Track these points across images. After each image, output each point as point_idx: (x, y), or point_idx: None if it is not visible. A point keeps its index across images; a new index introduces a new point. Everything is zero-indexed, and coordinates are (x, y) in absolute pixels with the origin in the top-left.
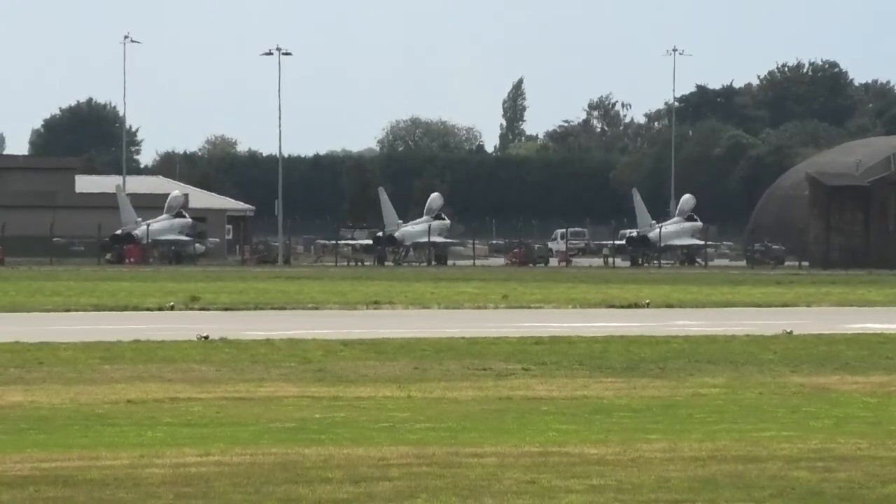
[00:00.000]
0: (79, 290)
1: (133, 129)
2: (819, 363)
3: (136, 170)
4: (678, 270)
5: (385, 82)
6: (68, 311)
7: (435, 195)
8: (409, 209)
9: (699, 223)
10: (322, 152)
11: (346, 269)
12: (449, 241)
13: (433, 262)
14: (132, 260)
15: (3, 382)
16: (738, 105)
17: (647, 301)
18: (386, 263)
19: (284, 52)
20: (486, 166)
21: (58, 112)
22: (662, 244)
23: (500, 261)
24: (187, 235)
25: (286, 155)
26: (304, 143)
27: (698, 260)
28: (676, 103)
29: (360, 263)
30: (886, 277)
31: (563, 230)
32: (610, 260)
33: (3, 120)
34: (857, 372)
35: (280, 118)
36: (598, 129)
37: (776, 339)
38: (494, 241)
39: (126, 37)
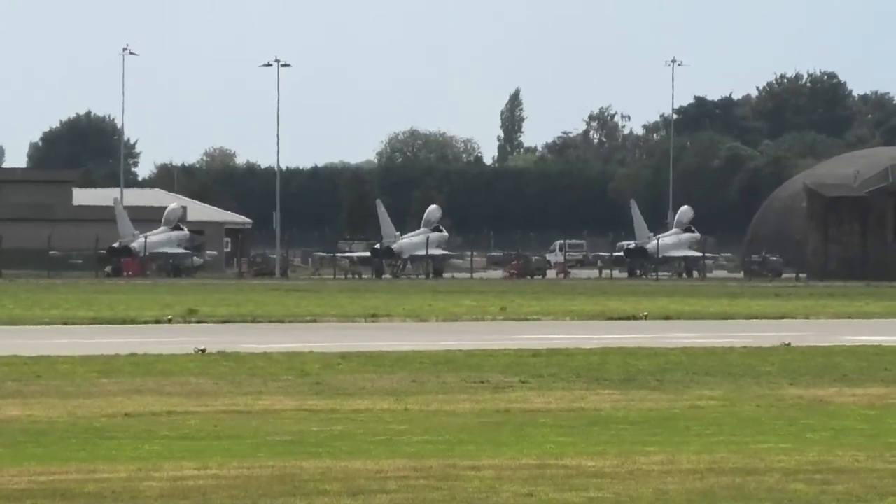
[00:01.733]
0: (76, 304)
1: (131, 142)
2: (817, 375)
3: (134, 182)
4: (676, 282)
5: (383, 94)
6: (66, 324)
7: (433, 207)
8: (407, 221)
9: (697, 235)
10: (320, 164)
11: (344, 281)
12: (447, 253)
13: (431, 275)
14: (130, 273)
15: (1, 396)
16: (737, 116)
17: (645, 313)
18: (384, 276)
19: (283, 63)
20: (484, 178)
21: (57, 125)
22: (660, 256)
23: (499, 273)
24: (185, 248)
25: (284, 167)
26: (303, 154)
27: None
28: (675, 115)
29: (357, 276)
30: (884, 289)
31: (562, 242)
32: (606, 271)
33: (2, 132)
34: (855, 384)
35: (278, 130)
36: (597, 141)
37: (774, 351)
38: (493, 254)
39: (125, 49)
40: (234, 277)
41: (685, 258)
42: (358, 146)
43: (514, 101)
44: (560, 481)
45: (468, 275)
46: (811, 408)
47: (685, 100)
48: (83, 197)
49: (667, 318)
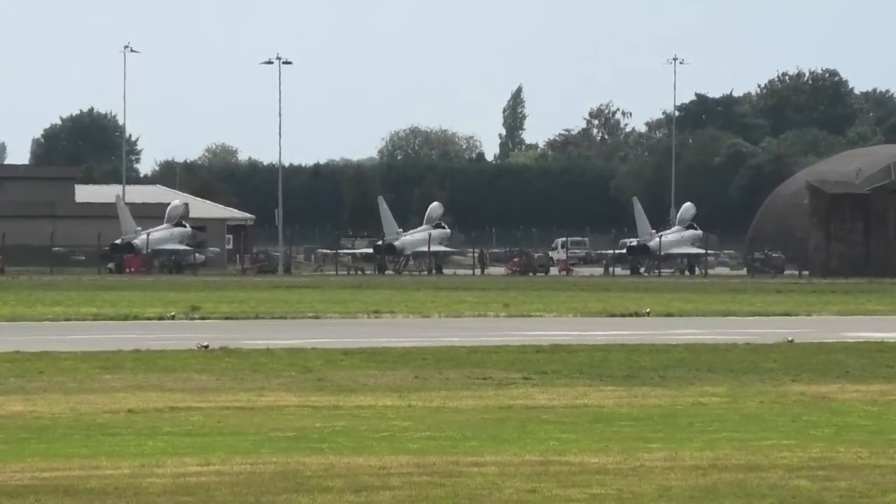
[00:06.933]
0: (79, 300)
1: (133, 139)
2: (820, 372)
3: (136, 179)
4: (678, 279)
5: (385, 91)
6: (68, 320)
7: (435, 204)
8: (409, 218)
9: (699, 232)
10: (322, 161)
11: (347, 278)
12: (449, 249)
13: (433, 272)
14: (132, 269)
15: (4, 392)
16: (739, 114)
17: (648, 310)
18: (386, 272)
19: (285, 60)
20: (485, 175)
21: (58, 122)
22: (662, 253)
23: (501, 270)
24: (187, 245)
25: (286, 164)
26: (304, 151)
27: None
28: (676, 112)
29: (360, 272)
30: (887, 286)
31: (564, 239)
32: (610, 268)
33: (4, 129)
34: (858, 380)
35: (280, 127)
36: (599, 138)
37: (777, 348)
38: (495, 250)
39: (126, 46)
40: (236, 274)
41: (687, 255)
42: (360, 143)
43: (517, 98)
44: (563, 478)
45: (470, 271)
46: (814, 404)
47: (687, 97)
48: (85, 194)
49: (669, 314)
